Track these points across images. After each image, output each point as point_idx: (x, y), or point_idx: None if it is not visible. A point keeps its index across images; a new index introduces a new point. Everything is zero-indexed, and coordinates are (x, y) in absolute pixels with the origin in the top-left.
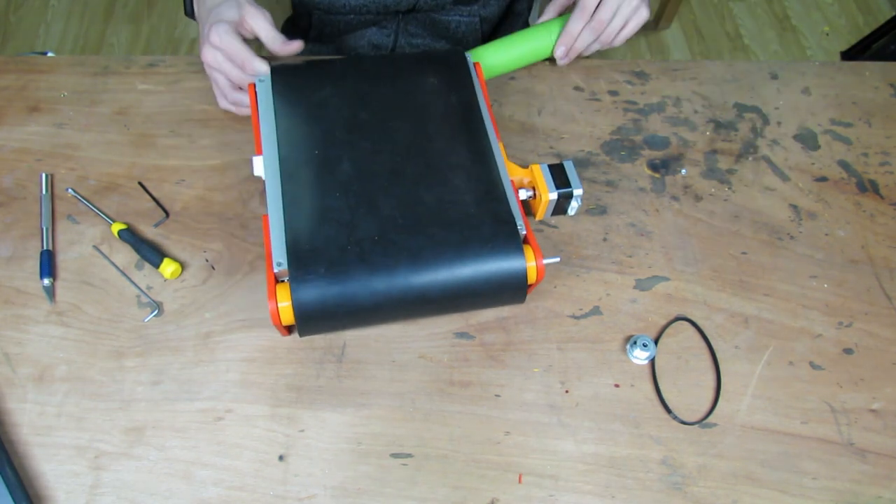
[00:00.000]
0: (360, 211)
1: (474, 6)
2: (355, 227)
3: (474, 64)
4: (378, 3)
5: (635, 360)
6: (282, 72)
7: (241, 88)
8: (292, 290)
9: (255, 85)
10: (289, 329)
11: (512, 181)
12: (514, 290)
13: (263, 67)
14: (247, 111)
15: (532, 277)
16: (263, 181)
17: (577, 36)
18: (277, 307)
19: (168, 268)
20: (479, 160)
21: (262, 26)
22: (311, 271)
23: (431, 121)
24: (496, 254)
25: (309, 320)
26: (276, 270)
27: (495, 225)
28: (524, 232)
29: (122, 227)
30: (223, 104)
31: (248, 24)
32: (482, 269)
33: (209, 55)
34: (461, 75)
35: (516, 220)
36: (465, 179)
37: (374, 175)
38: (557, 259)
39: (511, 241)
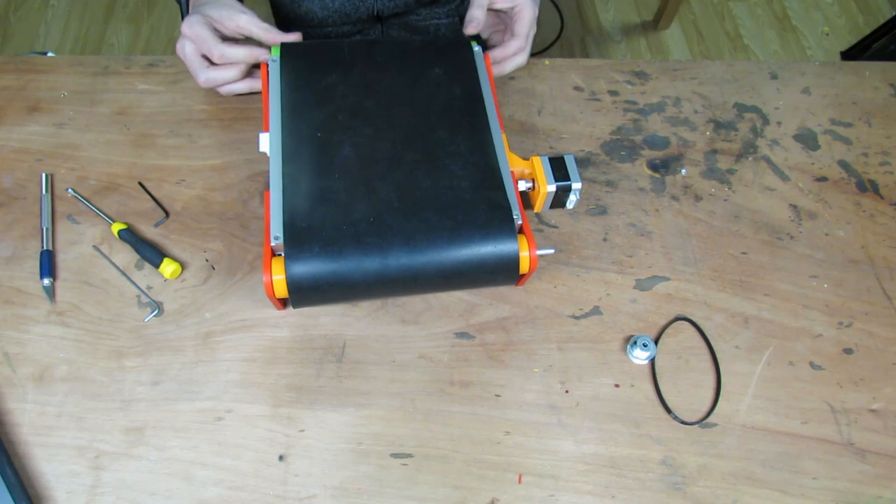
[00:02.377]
0: (358, 193)
1: (450, 6)
2: (351, 208)
3: (484, 55)
4: (339, 11)
5: (635, 360)
6: (291, 52)
7: (212, 65)
8: (286, 265)
9: (267, 64)
10: (283, 302)
11: (512, 172)
12: (506, 273)
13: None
14: (227, 90)
15: (524, 267)
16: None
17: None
18: (272, 280)
19: (168, 268)
20: (479, 149)
21: (249, 21)
22: (306, 248)
23: (435, 109)
24: (489, 239)
25: (301, 294)
26: (273, 244)
27: (490, 211)
28: (520, 221)
29: (122, 227)
30: (200, 82)
31: (232, 23)
32: (474, 254)
33: (178, 45)
34: (467, 64)
35: (512, 207)
36: (464, 167)
37: (374, 160)
38: (552, 251)
39: (505, 226)
